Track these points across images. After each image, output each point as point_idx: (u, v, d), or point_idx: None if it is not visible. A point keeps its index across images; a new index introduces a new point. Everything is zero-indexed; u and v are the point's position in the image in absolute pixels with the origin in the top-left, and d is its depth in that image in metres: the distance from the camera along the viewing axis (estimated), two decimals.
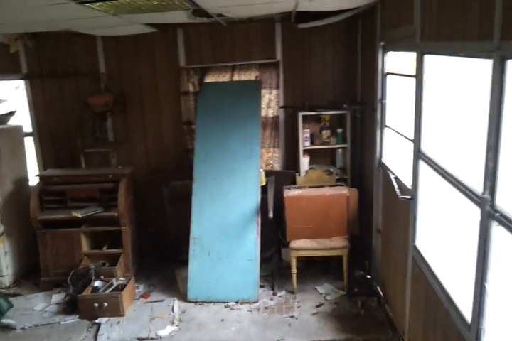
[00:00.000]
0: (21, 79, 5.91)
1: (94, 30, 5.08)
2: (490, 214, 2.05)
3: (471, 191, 2.29)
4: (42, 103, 5.92)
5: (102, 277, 4.89)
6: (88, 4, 3.14)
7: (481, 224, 2.14)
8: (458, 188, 2.46)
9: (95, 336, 4.32)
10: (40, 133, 5.99)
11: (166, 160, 5.98)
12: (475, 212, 2.22)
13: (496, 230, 2.04)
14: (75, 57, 5.78)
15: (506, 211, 1.93)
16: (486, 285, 2.12)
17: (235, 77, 5.70)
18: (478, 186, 2.19)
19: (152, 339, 4.23)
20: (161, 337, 4.24)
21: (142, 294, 5.03)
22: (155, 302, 4.89)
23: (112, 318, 4.58)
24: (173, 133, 5.92)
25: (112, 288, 4.75)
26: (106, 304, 4.55)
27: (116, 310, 4.59)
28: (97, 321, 4.54)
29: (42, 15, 3.68)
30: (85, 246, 5.23)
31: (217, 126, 5.17)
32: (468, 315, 2.32)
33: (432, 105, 3.09)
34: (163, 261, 5.64)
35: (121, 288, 4.77)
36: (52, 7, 3.08)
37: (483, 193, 2.10)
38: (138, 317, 4.61)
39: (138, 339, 4.25)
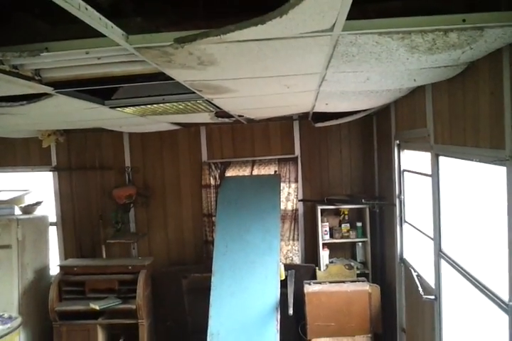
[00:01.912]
0: (50, 171, 6.18)
1: (121, 127, 5.39)
2: None
3: (497, 297, 2.25)
4: (68, 194, 6.12)
5: None
6: (119, 109, 3.39)
7: (511, 333, 2.09)
8: (483, 292, 2.42)
9: None
10: (64, 222, 6.14)
11: (186, 251, 6.01)
12: (503, 318, 2.17)
13: None
14: (102, 151, 6.08)
15: None
16: None
17: (255, 171, 5.89)
18: (504, 291, 2.16)
19: None
20: None
21: None
22: None
23: None
24: (194, 225, 6.01)
25: None
26: None
27: None
28: None
29: (75, 117, 3.97)
30: (101, 339, 5.09)
31: (238, 218, 5.23)
32: None
33: (451, 203, 3.12)
34: None
35: None
36: (86, 110, 3.34)
37: (510, 300, 2.07)
38: None
39: None
